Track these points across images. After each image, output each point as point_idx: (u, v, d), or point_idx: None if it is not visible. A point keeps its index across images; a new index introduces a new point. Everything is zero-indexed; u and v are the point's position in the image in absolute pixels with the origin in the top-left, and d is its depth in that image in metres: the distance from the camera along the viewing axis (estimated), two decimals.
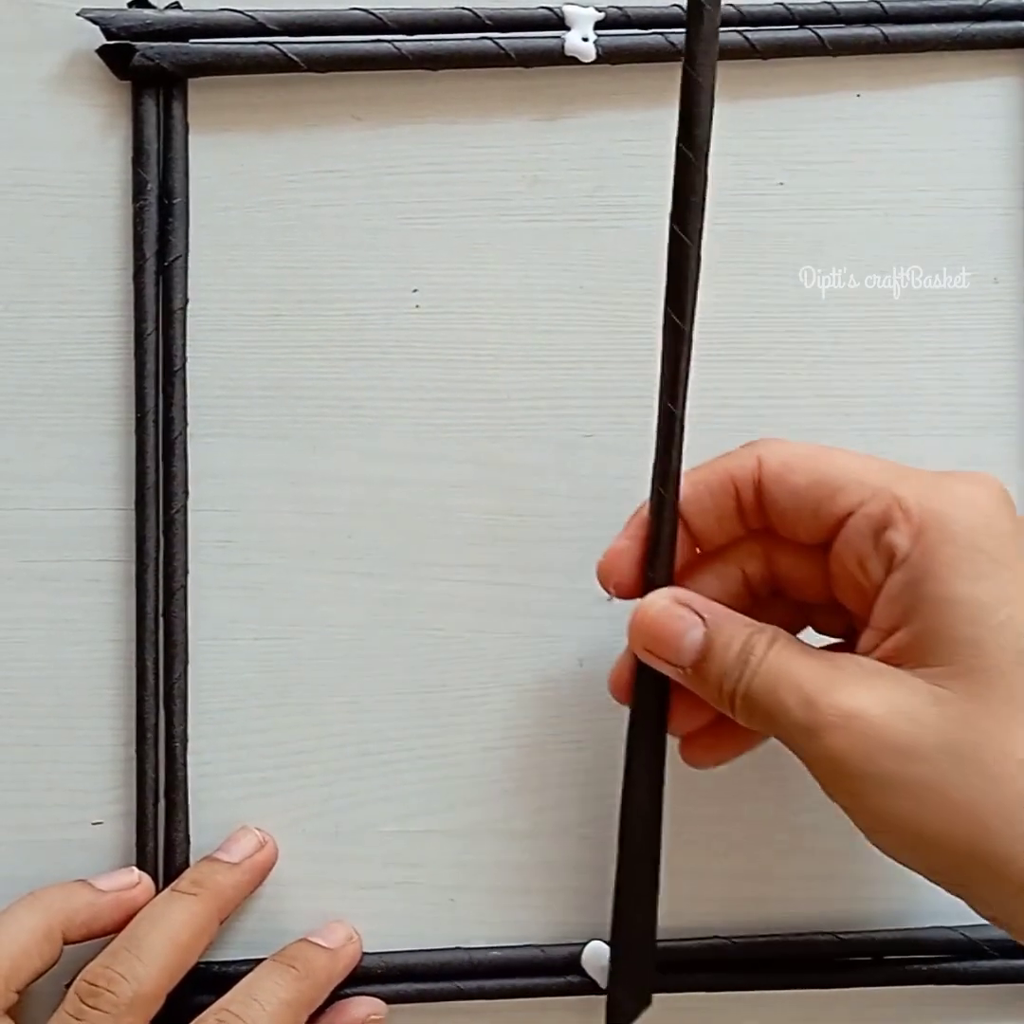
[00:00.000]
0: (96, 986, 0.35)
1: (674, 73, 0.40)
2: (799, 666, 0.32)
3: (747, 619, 0.34)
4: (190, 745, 0.39)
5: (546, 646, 0.40)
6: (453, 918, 0.39)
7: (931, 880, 0.32)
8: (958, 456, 0.40)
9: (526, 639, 0.40)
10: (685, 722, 0.36)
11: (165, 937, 0.36)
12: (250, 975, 0.37)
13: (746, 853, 0.40)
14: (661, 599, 0.34)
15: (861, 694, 0.31)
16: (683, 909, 0.39)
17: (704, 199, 0.34)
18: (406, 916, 0.39)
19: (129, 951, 0.36)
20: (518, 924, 0.39)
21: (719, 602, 0.35)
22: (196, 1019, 0.35)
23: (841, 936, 0.39)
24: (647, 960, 0.37)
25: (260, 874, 0.39)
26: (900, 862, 0.33)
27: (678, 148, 0.34)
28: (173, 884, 0.38)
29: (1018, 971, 0.39)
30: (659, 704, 0.36)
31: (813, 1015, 0.39)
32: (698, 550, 0.36)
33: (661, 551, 0.35)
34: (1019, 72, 0.41)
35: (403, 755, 0.39)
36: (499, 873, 0.39)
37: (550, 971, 0.39)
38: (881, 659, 0.32)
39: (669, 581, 0.35)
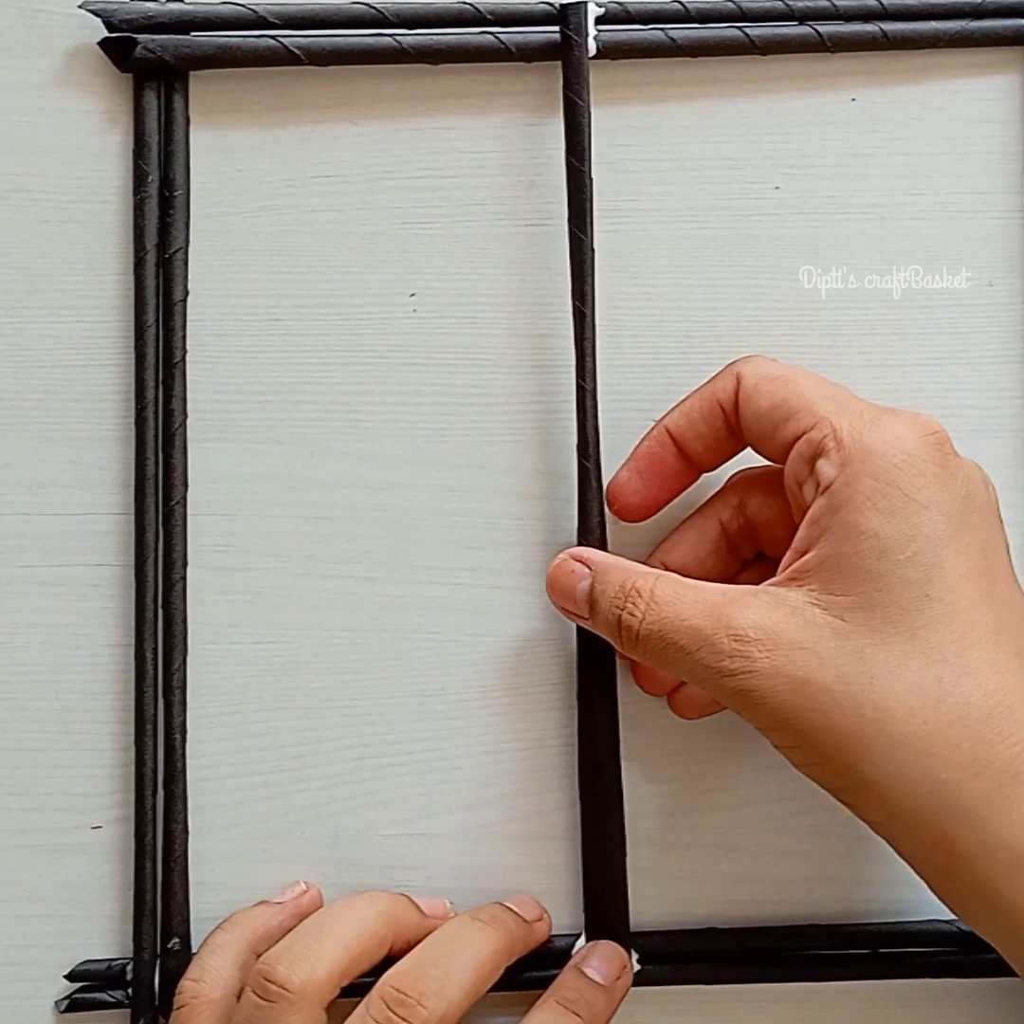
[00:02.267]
0: (406, 996, 0.34)
1: (674, 69, 0.40)
2: (690, 607, 0.33)
3: (637, 566, 0.36)
4: (190, 749, 0.39)
5: (545, 649, 0.40)
6: None
7: (828, 789, 0.34)
8: None
9: (525, 642, 0.40)
10: (653, 683, 0.39)
11: (472, 961, 0.35)
12: (447, 926, 0.37)
13: (747, 855, 0.40)
14: (560, 556, 0.37)
15: (759, 622, 0.32)
16: (684, 910, 0.39)
17: (591, 199, 0.38)
18: None
19: (438, 968, 0.35)
20: None
21: (705, 560, 0.38)
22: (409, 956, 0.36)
23: (837, 929, 0.39)
24: (621, 930, 0.38)
25: (540, 938, 0.39)
26: (803, 772, 0.34)
27: (567, 159, 0.38)
28: (472, 913, 0.37)
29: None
30: (603, 663, 0.38)
31: (809, 1008, 0.39)
32: (701, 473, 0.38)
33: (589, 516, 0.38)
34: (1018, 69, 0.41)
35: (402, 759, 0.39)
36: (499, 876, 0.39)
37: (546, 963, 0.38)
38: (789, 577, 0.33)
39: (601, 542, 0.38)
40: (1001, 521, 0.34)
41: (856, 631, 0.32)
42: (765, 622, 0.33)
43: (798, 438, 0.34)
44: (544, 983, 0.38)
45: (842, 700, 0.32)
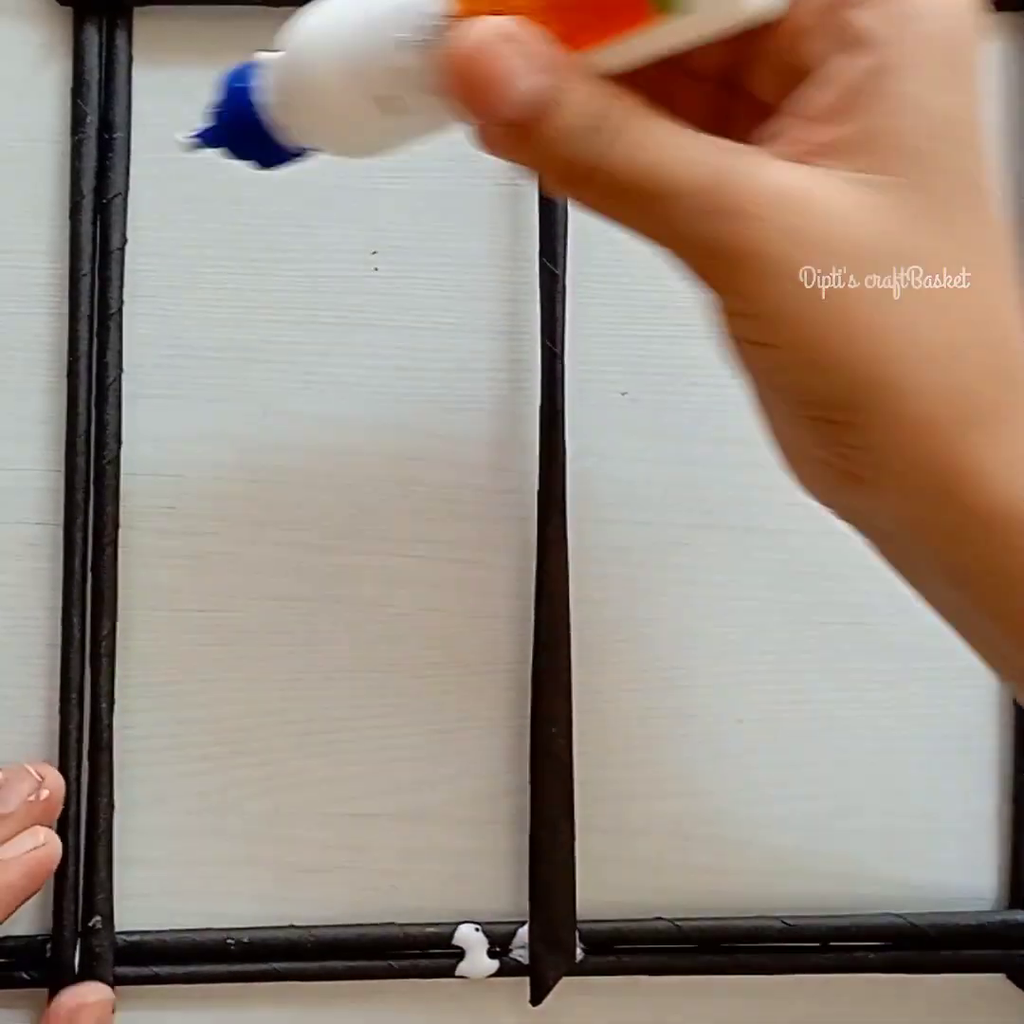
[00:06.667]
0: None
1: None
2: (686, 141, 0.27)
3: (605, 82, 0.27)
4: (127, 719, 0.38)
5: (501, 627, 0.39)
6: (395, 904, 0.39)
7: (807, 412, 0.28)
8: None
9: (480, 619, 0.39)
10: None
11: None
12: None
13: (702, 845, 0.39)
14: (488, 30, 0.26)
15: (787, 180, 0.27)
16: (635, 899, 0.39)
17: None
18: (347, 901, 0.39)
19: None
20: (463, 913, 0.39)
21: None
22: None
23: (788, 921, 0.39)
24: (567, 916, 0.38)
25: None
26: (781, 383, 0.28)
27: None
28: None
29: (965, 960, 0.39)
30: (559, 643, 0.38)
31: (758, 1001, 0.39)
32: None
33: (553, 488, 0.37)
34: (1000, 38, 0.40)
35: (349, 735, 0.39)
36: (445, 859, 0.39)
37: (488, 952, 0.38)
38: (813, 150, 0.27)
39: (563, 517, 0.37)
40: None
41: (893, 211, 0.27)
42: (786, 179, 0.27)
43: None
44: (421, 972, 0.38)
45: (865, 286, 0.27)
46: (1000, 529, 0.28)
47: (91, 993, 0.37)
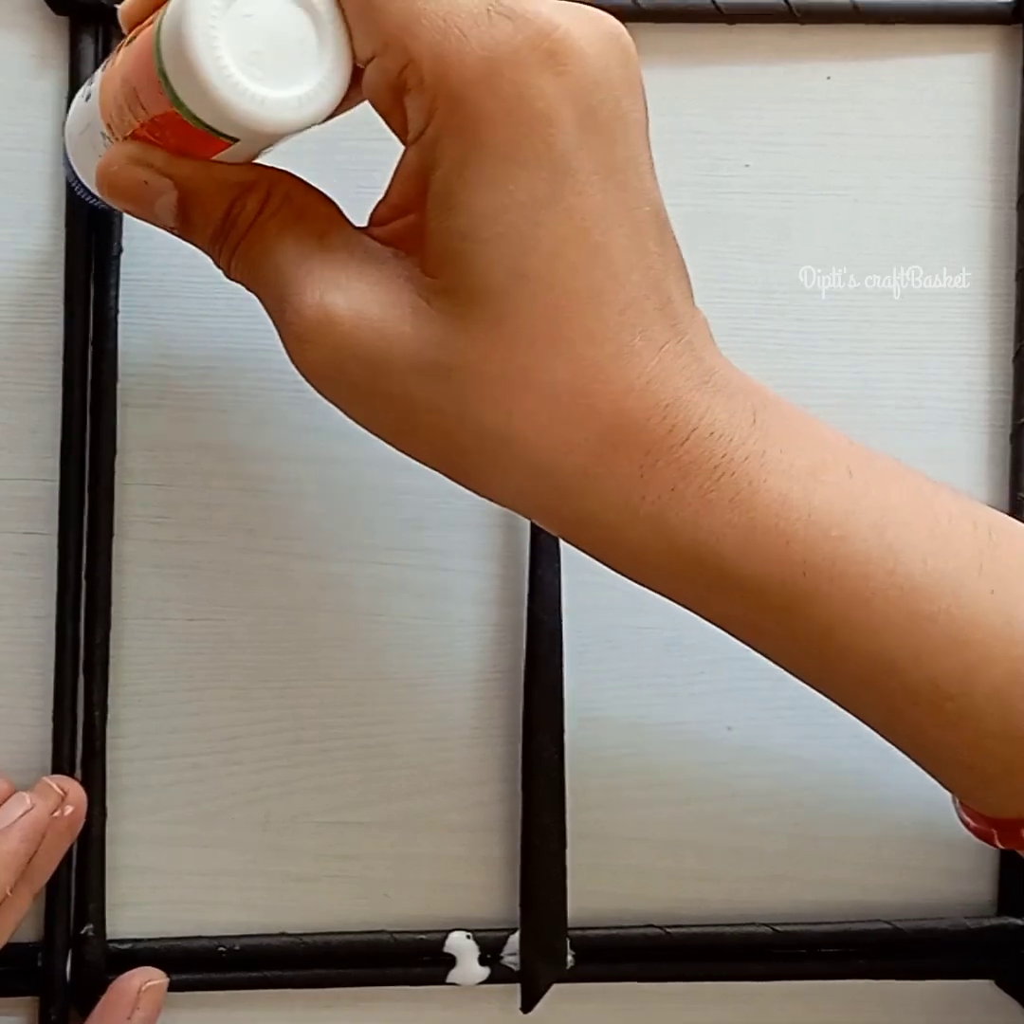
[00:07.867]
0: None
1: (645, 34, 0.38)
2: (284, 247, 0.29)
3: (237, 175, 0.30)
4: (117, 728, 0.38)
5: (491, 635, 0.39)
6: (387, 912, 0.39)
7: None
8: (922, 449, 0.40)
9: (471, 627, 0.39)
10: None
11: None
12: None
13: (693, 852, 0.39)
14: (118, 159, 0.30)
15: (333, 298, 0.28)
16: (626, 907, 0.39)
17: None
18: (338, 910, 0.39)
19: None
20: (454, 920, 0.39)
21: None
22: None
23: (777, 928, 0.39)
24: (558, 923, 0.38)
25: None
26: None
27: None
28: None
29: (954, 967, 0.39)
30: (551, 652, 0.37)
31: (749, 1008, 0.39)
32: None
33: None
34: (991, 49, 0.40)
35: (340, 744, 0.39)
36: (436, 867, 0.39)
37: (479, 959, 0.38)
38: (387, 236, 0.29)
39: None
40: (642, 112, 0.28)
41: (438, 316, 0.28)
42: (342, 289, 0.28)
43: (371, 56, 0.27)
44: (413, 979, 0.38)
45: (418, 391, 0.28)
46: (629, 562, 0.30)
47: (156, 975, 0.37)
